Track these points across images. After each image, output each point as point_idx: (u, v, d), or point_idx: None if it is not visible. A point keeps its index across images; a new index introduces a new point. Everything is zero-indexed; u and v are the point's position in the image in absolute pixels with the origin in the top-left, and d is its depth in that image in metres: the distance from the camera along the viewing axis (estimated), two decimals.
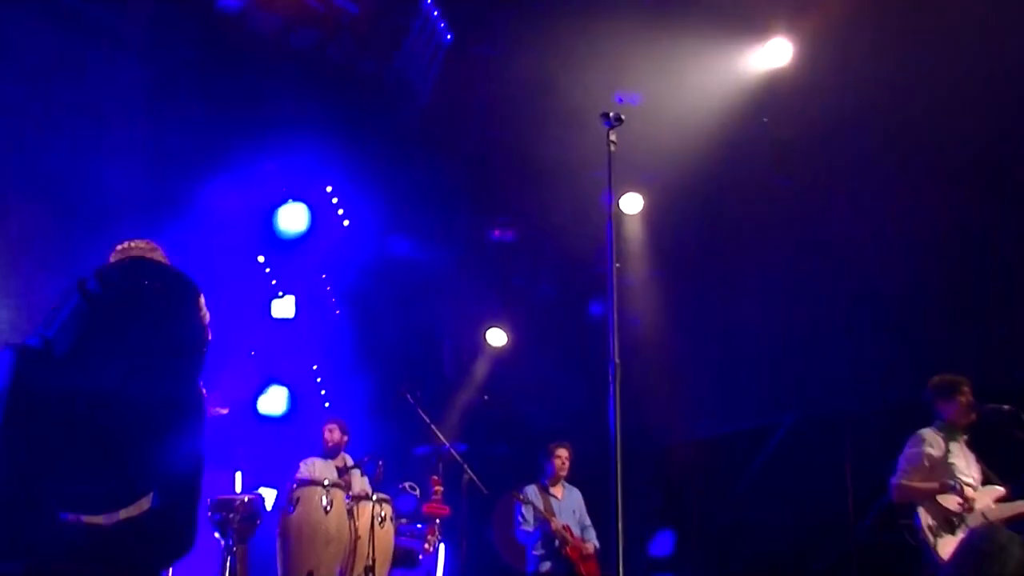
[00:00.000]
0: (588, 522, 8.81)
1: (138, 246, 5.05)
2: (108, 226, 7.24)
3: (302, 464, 8.07)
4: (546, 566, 8.37)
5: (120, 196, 7.97)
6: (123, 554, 4.81)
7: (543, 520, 8.39)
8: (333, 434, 8.29)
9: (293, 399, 9.72)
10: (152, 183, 8.27)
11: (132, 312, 4.64)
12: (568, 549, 8.34)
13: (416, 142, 10.30)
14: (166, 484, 5.13)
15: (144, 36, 8.50)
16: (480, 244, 11.28)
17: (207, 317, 4.97)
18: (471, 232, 11.27)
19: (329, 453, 8.24)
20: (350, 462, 8.13)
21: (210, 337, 4.86)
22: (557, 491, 8.73)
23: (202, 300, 4.87)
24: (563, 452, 8.83)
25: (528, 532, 8.47)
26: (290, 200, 10.19)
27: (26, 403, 4.81)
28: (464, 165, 10.55)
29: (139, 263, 4.87)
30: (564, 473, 8.82)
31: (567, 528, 8.44)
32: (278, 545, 7.08)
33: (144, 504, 5.10)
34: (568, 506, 8.71)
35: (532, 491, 8.63)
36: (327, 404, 10.02)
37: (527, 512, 8.51)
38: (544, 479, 8.77)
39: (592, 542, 8.62)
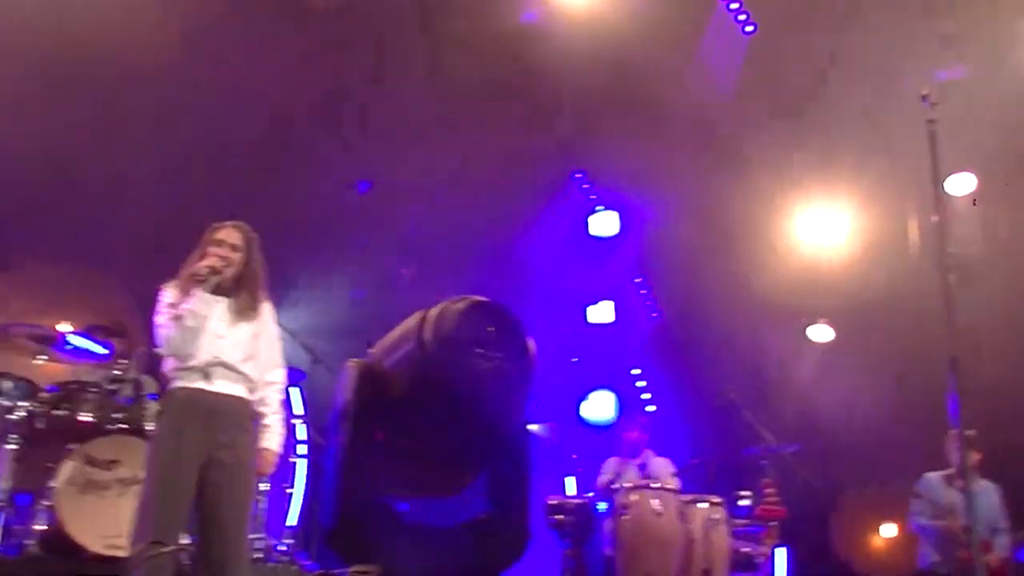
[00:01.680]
0: (1002, 525, 7.66)
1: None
2: None
3: (604, 465, 8.11)
4: (938, 566, 7.53)
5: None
6: (464, 555, 5.00)
7: (939, 516, 7.51)
8: (631, 434, 8.28)
9: (618, 404, 9.76)
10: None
11: (466, 365, 4.77)
12: (965, 552, 7.10)
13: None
14: (498, 490, 5.30)
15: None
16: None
17: (533, 347, 5.02)
18: None
19: (630, 452, 8.21)
20: (655, 461, 8.05)
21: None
22: (967, 485, 7.57)
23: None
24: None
25: (921, 525, 7.76)
26: (601, 207, 10.30)
27: (368, 415, 5.11)
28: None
29: (478, 309, 4.95)
30: (974, 465, 7.42)
31: (966, 529, 7.34)
32: (613, 549, 7.09)
33: (478, 508, 5.29)
34: (980, 503, 7.33)
35: (932, 482, 7.72)
36: (651, 408, 9.98)
37: (919, 505, 7.69)
38: (952, 470, 7.61)
39: (1004, 549, 7.55)
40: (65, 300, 7.64)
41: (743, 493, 7.77)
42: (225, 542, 4.53)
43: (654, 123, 9.70)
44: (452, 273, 8.88)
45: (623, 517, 7.00)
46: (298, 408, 6.94)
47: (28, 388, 6.32)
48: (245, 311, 4.73)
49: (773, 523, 7.61)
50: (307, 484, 6.86)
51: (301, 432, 6.96)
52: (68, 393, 6.31)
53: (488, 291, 5.49)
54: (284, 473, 6.87)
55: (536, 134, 9.39)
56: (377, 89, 8.80)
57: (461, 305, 5.00)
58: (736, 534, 7.41)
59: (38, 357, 6.47)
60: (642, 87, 9.55)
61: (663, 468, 7.97)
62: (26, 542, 5.89)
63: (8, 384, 6.21)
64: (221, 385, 4.65)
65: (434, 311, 4.96)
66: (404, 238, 9.03)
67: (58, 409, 6.23)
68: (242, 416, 4.71)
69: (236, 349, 4.69)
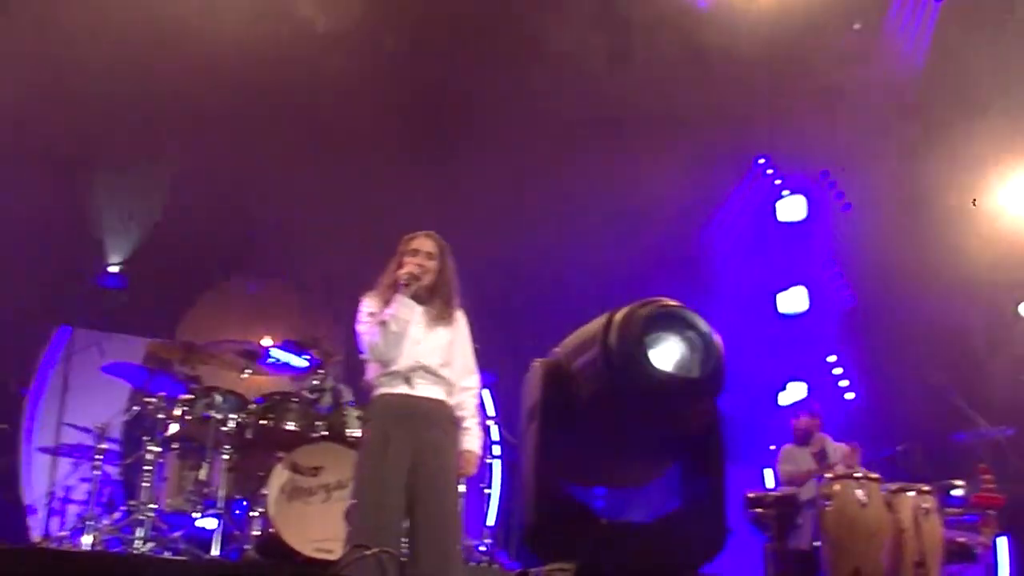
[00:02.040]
0: None
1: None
2: None
3: (781, 453, 7.83)
4: None
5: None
6: (661, 551, 4.94)
7: None
8: (800, 421, 7.98)
9: (810, 392, 9.47)
10: None
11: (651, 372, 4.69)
12: None
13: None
14: (692, 484, 5.21)
15: None
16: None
17: (721, 348, 4.90)
18: None
19: (801, 440, 7.91)
20: (833, 446, 7.72)
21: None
22: None
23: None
24: None
25: None
26: (787, 192, 10.03)
27: (556, 413, 5.12)
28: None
29: (664, 314, 4.88)
30: None
31: None
32: (819, 541, 6.88)
33: (674, 503, 5.22)
34: None
35: None
36: (850, 395, 9.63)
37: None
38: None
39: None
40: (265, 317, 8.04)
41: (956, 481, 7.39)
42: (436, 544, 4.60)
43: (838, 103, 9.39)
44: (635, 271, 8.82)
45: (826, 508, 6.78)
46: (491, 410, 7.07)
47: (237, 401, 6.69)
48: (441, 317, 4.85)
49: (991, 511, 7.21)
50: (503, 484, 6.97)
51: (495, 433, 7.08)
52: (273, 404, 6.63)
53: (673, 286, 5.41)
54: (481, 474, 7.01)
55: (715, 122, 9.22)
56: (555, 86, 8.82)
57: (647, 310, 4.91)
58: (949, 524, 7.05)
59: (244, 371, 6.81)
60: (825, 67, 9.27)
61: (842, 454, 7.65)
62: (245, 547, 6.22)
63: (219, 398, 6.58)
64: (423, 389, 4.76)
65: (620, 315, 4.90)
66: (584, 235, 8.99)
67: (265, 420, 6.57)
68: (444, 419, 4.81)
69: (435, 354, 4.80)
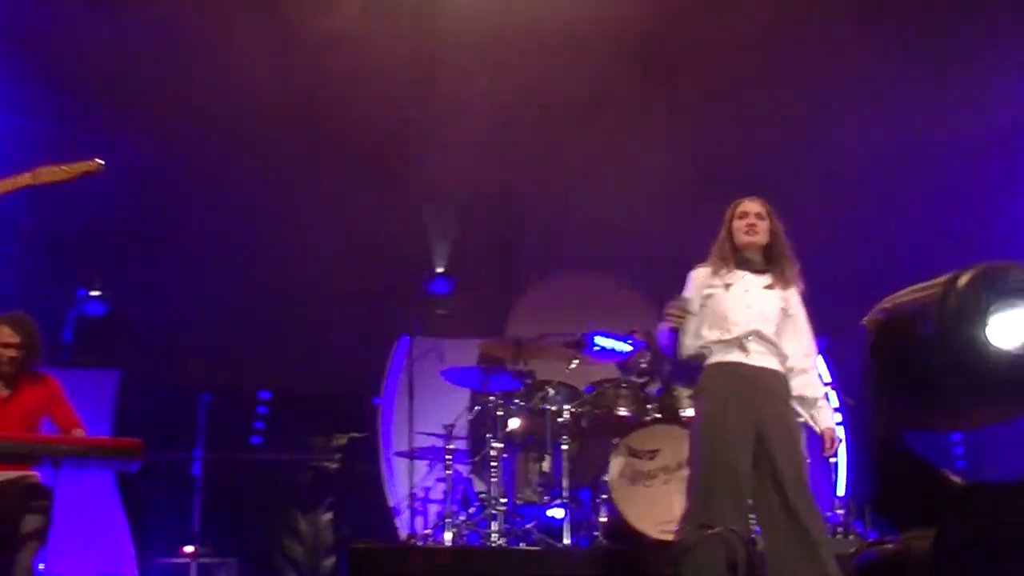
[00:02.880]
0: None
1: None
2: None
3: None
4: None
5: None
6: None
7: None
8: None
9: None
10: None
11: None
12: None
13: None
14: None
15: None
16: None
17: None
18: None
19: None
20: None
21: None
22: None
23: None
24: None
25: None
26: None
27: (888, 373, 4.80)
28: None
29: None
30: None
31: None
32: None
33: None
34: None
35: None
36: None
37: None
38: None
39: None
40: (586, 306, 8.18)
41: None
42: (799, 520, 4.40)
43: None
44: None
45: None
46: (826, 376, 6.81)
47: (569, 392, 6.86)
48: (775, 283, 4.72)
49: None
50: (849, 452, 6.67)
51: (833, 400, 6.80)
52: (604, 392, 6.75)
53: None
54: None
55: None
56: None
57: (999, 275, 4.48)
58: None
59: (572, 362, 6.95)
60: None
61: None
62: (594, 534, 6.35)
63: (552, 391, 6.76)
64: (757, 358, 4.64)
65: (964, 279, 4.50)
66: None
67: (598, 408, 6.69)
68: (782, 388, 4.67)
69: (768, 321, 4.67)
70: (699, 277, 4.81)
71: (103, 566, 7.16)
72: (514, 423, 6.88)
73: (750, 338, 4.63)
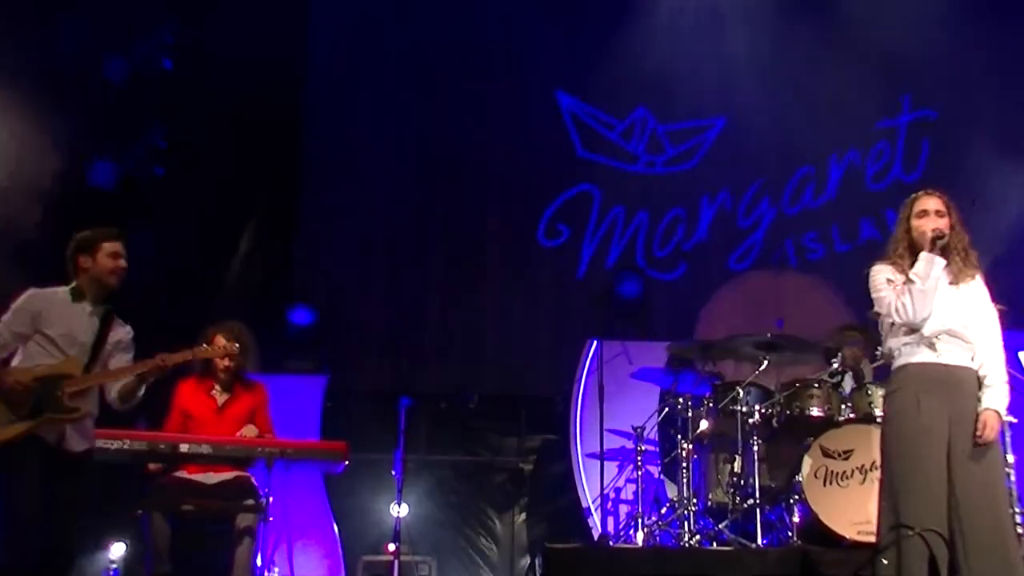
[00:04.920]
0: None
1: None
2: None
3: None
4: None
5: None
6: None
7: None
8: None
9: None
10: None
11: None
12: None
13: None
14: None
15: None
16: None
17: None
18: None
19: None
20: None
21: None
22: None
23: None
24: None
25: None
26: None
27: None
28: None
29: None
30: None
31: None
32: None
33: None
34: None
35: None
36: None
37: None
38: None
39: None
40: (776, 305, 8.07)
41: None
42: (992, 530, 4.30)
43: None
44: None
45: None
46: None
47: (760, 392, 6.83)
48: (962, 276, 4.59)
49: None
50: None
51: None
52: (796, 392, 6.66)
53: None
54: None
55: None
56: None
57: None
58: None
59: (763, 362, 6.88)
60: None
61: None
62: (788, 534, 6.28)
63: (742, 391, 6.72)
64: (948, 355, 4.51)
65: None
66: None
67: (789, 408, 6.62)
68: (973, 386, 4.52)
69: (958, 315, 4.54)
70: (884, 271, 4.68)
71: (313, 562, 7.54)
72: (704, 424, 6.88)
73: (940, 336, 4.52)
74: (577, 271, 9.17)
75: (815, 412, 6.52)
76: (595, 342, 8.26)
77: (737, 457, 6.62)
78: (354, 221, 9.07)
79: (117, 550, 6.88)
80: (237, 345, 5.83)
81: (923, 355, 4.53)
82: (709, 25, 8.73)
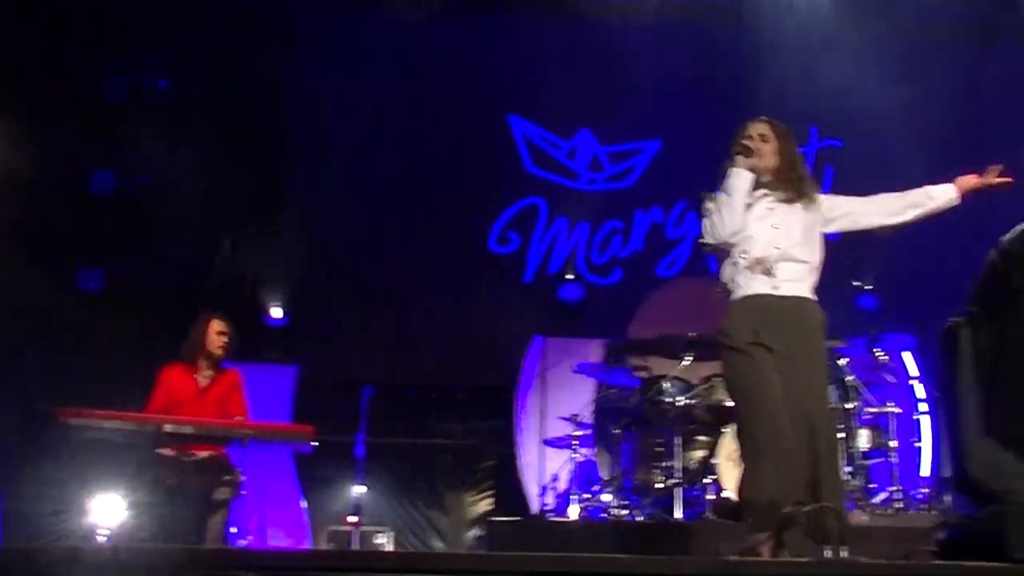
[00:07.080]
0: None
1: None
2: None
3: None
4: None
5: None
6: None
7: None
8: None
9: None
10: None
11: None
12: None
13: None
14: None
15: None
16: None
17: None
18: None
19: None
20: None
21: None
22: None
23: None
24: None
25: None
26: None
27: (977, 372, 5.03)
28: None
29: None
30: None
31: None
32: None
33: None
34: None
35: None
36: None
37: None
38: None
39: None
40: (696, 309, 8.89)
41: None
42: (834, 476, 4.38)
43: None
44: None
45: None
46: (913, 370, 7.44)
47: (682, 385, 7.54)
48: (795, 198, 4.54)
49: None
50: (934, 438, 7.30)
51: (920, 392, 7.42)
52: (713, 385, 7.45)
53: None
54: (911, 429, 7.40)
55: None
56: None
57: None
58: None
59: (684, 359, 7.71)
60: None
61: None
62: (704, 510, 7.09)
63: (667, 384, 7.50)
64: (788, 286, 4.41)
65: None
66: None
67: (708, 399, 7.36)
68: (816, 323, 4.46)
69: (796, 238, 4.46)
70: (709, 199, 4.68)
71: (283, 531, 8.25)
72: (633, 413, 7.63)
73: (778, 262, 4.39)
74: (525, 275, 9.95)
75: (728, 403, 7.30)
76: (540, 339, 9.09)
77: (661, 442, 7.30)
78: (324, 232, 9.66)
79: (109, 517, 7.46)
80: (229, 329, 6.64)
81: (758, 286, 4.40)
82: (647, 56, 9.39)
